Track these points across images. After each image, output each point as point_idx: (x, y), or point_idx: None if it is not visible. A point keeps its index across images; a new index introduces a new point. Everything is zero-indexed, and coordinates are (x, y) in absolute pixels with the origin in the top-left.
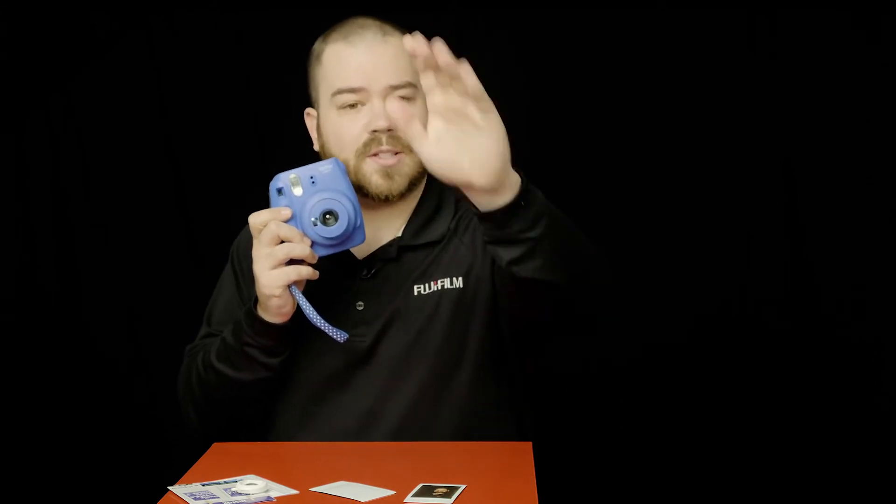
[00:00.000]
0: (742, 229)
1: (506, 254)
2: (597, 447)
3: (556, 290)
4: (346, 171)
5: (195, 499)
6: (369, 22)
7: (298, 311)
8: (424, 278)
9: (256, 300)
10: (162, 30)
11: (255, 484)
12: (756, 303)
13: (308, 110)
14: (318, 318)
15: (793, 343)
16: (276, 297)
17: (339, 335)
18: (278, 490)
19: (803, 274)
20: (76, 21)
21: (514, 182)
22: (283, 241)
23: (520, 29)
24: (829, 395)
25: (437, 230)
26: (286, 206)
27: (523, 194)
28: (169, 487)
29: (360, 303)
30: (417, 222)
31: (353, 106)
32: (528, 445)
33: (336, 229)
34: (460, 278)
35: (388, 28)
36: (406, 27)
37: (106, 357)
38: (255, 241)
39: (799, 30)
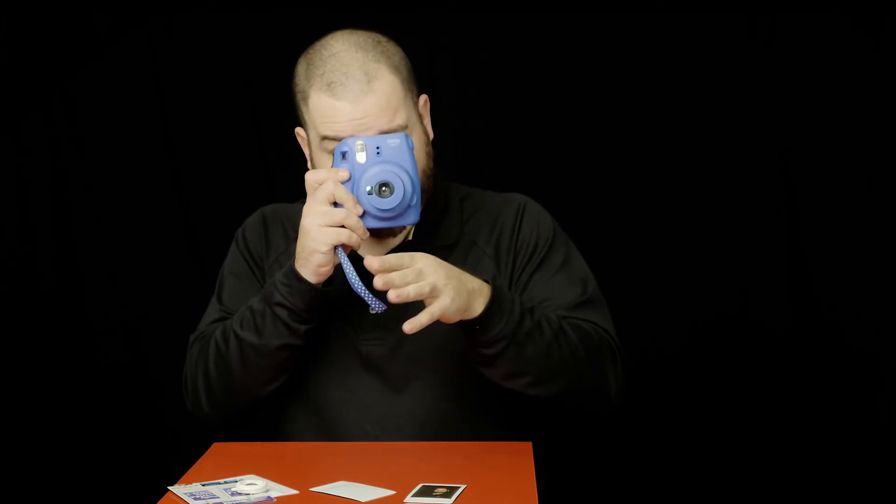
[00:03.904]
0: (741, 232)
1: (472, 355)
2: (597, 447)
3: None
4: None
5: (195, 499)
6: (352, 60)
7: (334, 281)
8: None
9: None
10: (162, 30)
11: (255, 484)
12: (755, 306)
13: (298, 130)
14: (360, 284)
15: (792, 346)
16: (320, 253)
17: (377, 305)
18: (278, 490)
19: (803, 277)
20: (76, 21)
21: (477, 308)
22: (335, 203)
23: (519, 29)
24: (828, 397)
25: (449, 233)
26: (346, 169)
27: (480, 319)
28: (169, 487)
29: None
30: (427, 225)
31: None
32: (528, 445)
33: (389, 202)
34: None
35: (370, 66)
36: (405, 27)
37: (106, 357)
38: (309, 198)
39: (799, 31)
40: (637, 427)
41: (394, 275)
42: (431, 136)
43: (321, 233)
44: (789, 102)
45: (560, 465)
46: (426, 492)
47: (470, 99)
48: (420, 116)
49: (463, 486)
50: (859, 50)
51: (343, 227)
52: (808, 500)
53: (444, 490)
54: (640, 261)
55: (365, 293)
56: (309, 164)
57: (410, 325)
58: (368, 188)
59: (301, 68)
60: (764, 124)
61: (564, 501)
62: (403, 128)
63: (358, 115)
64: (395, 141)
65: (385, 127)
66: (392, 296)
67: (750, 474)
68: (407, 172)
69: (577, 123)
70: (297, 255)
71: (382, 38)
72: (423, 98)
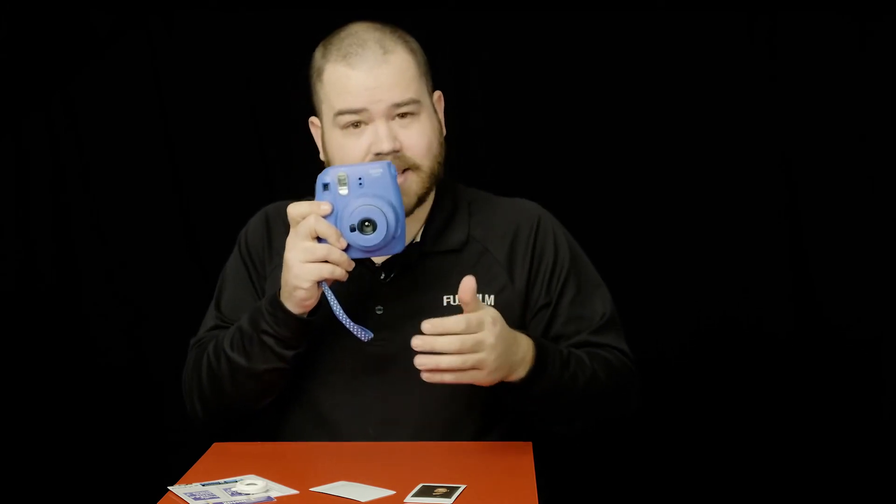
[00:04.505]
0: (743, 233)
1: (508, 403)
2: (597, 447)
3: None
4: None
5: (195, 499)
6: (369, 36)
7: (321, 307)
8: (454, 289)
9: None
10: (162, 30)
11: (255, 484)
12: (757, 309)
13: (312, 119)
14: (346, 316)
15: (794, 349)
16: (303, 289)
17: (364, 335)
18: (278, 490)
19: (805, 279)
20: (76, 21)
21: (519, 373)
22: (318, 237)
23: (519, 29)
24: (830, 400)
25: (456, 237)
26: (329, 202)
27: (522, 386)
28: (169, 487)
29: (380, 307)
30: (435, 227)
31: (356, 125)
32: (528, 445)
33: (372, 239)
34: (492, 296)
35: (387, 42)
36: (405, 27)
37: (106, 356)
38: (291, 231)
39: (799, 31)
40: (638, 429)
41: (445, 340)
42: (444, 133)
43: (303, 269)
44: (790, 103)
45: (560, 465)
46: (426, 492)
47: (470, 99)
48: (435, 108)
49: (463, 486)
50: (859, 50)
51: (326, 261)
52: (811, 502)
53: (444, 490)
54: (642, 263)
55: (350, 324)
56: (321, 155)
57: (430, 377)
58: (351, 225)
59: (318, 53)
60: (764, 125)
61: (564, 501)
62: (416, 102)
63: (371, 83)
64: (377, 170)
65: (398, 99)
66: (426, 376)
67: (752, 476)
68: (390, 204)
69: (578, 124)
70: (281, 287)
71: (399, 29)
72: (438, 94)
